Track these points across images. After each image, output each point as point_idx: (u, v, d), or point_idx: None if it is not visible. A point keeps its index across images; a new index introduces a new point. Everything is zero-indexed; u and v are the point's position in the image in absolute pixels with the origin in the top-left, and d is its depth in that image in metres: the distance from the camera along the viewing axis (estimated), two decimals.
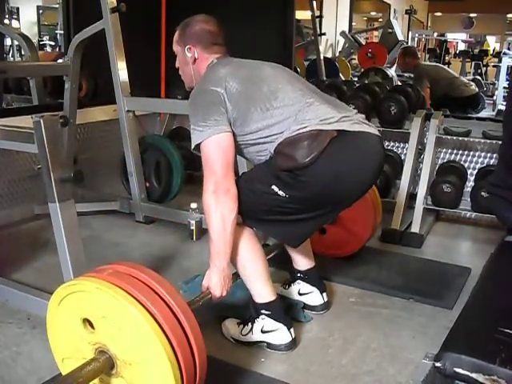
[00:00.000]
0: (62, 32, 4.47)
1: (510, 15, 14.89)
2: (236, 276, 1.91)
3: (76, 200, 2.09)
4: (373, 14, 12.88)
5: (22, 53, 4.07)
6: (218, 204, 1.70)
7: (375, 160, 1.83)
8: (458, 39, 13.80)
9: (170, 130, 3.85)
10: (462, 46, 13.65)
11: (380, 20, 11.89)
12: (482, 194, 2.95)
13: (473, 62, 10.15)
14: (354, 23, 8.65)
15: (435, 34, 12.91)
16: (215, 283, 1.77)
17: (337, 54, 7.53)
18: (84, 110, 3.42)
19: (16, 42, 4.45)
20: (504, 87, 6.88)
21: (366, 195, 1.96)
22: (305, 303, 2.21)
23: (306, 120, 1.72)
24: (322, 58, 5.85)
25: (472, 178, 3.35)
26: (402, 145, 3.65)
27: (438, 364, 1.13)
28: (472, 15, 13.58)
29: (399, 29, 7.57)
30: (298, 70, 5.76)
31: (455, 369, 1.11)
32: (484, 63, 10.31)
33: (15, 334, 2.03)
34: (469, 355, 1.12)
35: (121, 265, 1.49)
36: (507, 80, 7.08)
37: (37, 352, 1.89)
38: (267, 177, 1.77)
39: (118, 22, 2.99)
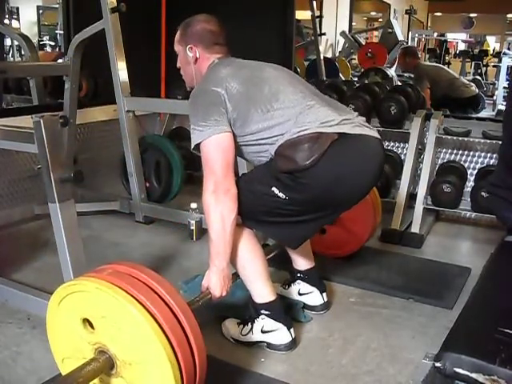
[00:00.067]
0: (61, 32, 4.47)
1: (510, 15, 14.88)
2: (235, 276, 1.91)
3: (76, 200, 2.09)
4: (373, 13, 12.88)
5: (22, 53, 4.06)
6: (218, 204, 1.70)
7: (375, 162, 1.83)
8: (458, 39, 13.79)
9: (170, 130, 3.85)
10: (462, 46, 13.64)
11: (380, 20, 11.88)
12: (482, 194, 2.96)
13: (473, 62, 10.14)
14: (354, 23, 8.64)
15: (435, 34, 12.90)
16: (215, 283, 1.77)
17: (337, 54, 7.53)
18: (84, 110, 3.42)
19: (16, 42, 4.44)
20: (504, 87, 6.88)
21: None
22: (305, 303, 2.21)
23: (307, 123, 1.72)
24: (322, 57, 5.85)
25: (472, 178, 3.35)
26: (402, 145, 3.65)
27: (438, 364, 1.13)
28: (472, 15, 13.58)
29: (399, 29, 7.57)
30: (298, 70, 5.76)
31: (455, 369, 1.11)
32: (484, 63, 10.30)
33: (15, 333, 2.03)
34: (469, 355, 1.12)
35: (121, 265, 1.49)
36: (507, 80, 7.07)
37: (37, 352, 1.89)
38: (267, 178, 1.77)
39: (117, 22, 2.99)
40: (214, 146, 1.72)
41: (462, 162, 3.44)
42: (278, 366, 1.88)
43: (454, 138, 3.29)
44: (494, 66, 9.42)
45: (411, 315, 2.24)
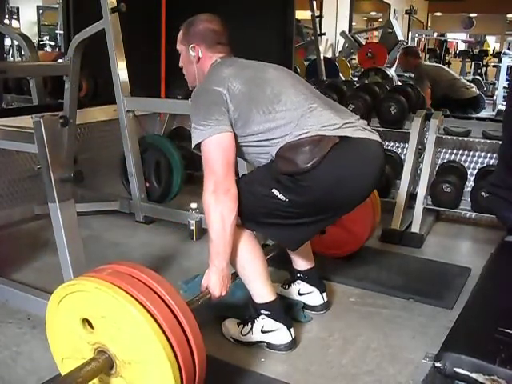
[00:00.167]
0: (61, 32, 4.47)
1: (510, 15, 14.87)
2: (235, 275, 1.91)
3: (76, 200, 2.09)
4: (373, 13, 12.88)
5: (22, 53, 4.07)
6: (218, 204, 1.70)
7: (376, 165, 1.83)
8: (458, 39, 13.79)
9: (170, 130, 3.85)
10: (462, 46, 13.64)
11: (380, 20, 11.88)
12: (482, 194, 2.95)
13: (473, 62, 10.14)
14: (354, 23, 8.64)
15: (435, 34, 12.90)
16: (214, 283, 1.76)
17: (337, 54, 7.53)
18: (84, 110, 3.42)
19: (16, 42, 4.45)
20: (504, 87, 6.88)
21: None
22: (305, 303, 2.21)
23: (309, 125, 1.72)
24: (322, 58, 5.85)
25: (472, 178, 3.35)
26: (402, 145, 3.65)
27: (438, 364, 1.13)
28: (472, 15, 13.58)
29: (399, 29, 7.57)
30: (298, 69, 5.76)
31: (455, 369, 1.11)
32: (484, 63, 10.30)
33: (15, 334, 2.03)
34: (469, 355, 1.12)
35: (120, 265, 1.49)
36: (507, 80, 7.07)
37: (37, 352, 1.89)
38: (268, 180, 1.77)
39: (117, 22, 2.99)
40: (215, 146, 1.72)
41: (462, 162, 3.43)
42: (277, 365, 1.88)
43: (454, 137, 3.29)
44: (494, 66, 9.42)
45: (411, 315, 2.24)
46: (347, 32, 7.65)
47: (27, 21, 5.12)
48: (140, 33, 3.94)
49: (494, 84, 8.30)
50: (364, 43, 7.80)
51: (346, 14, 7.92)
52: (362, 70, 6.72)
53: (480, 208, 3.02)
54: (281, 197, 1.74)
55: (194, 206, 2.90)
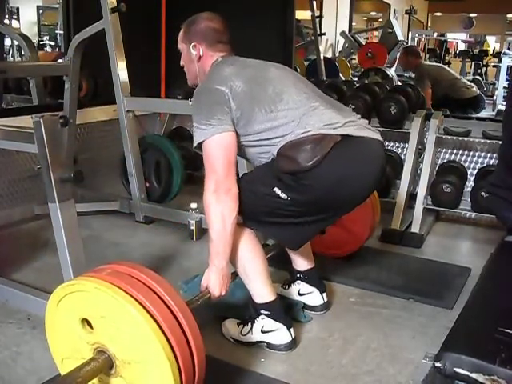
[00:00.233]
0: (61, 32, 4.47)
1: (510, 15, 14.87)
2: (235, 275, 1.91)
3: (76, 200, 2.09)
4: (373, 13, 12.87)
5: (22, 53, 4.06)
6: (219, 203, 1.70)
7: (377, 165, 1.83)
8: (458, 39, 13.79)
9: (169, 129, 3.85)
10: (462, 46, 13.64)
11: (380, 20, 11.88)
12: (482, 194, 2.95)
13: (473, 62, 10.14)
14: (354, 23, 8.64)
15: (435, 34, 12.91)
16: (214, 282, 1.76)
17: (337, 54, 7.53)
18: (84, 110, 3.42)
19: (16, 42, 4.45)
20: (504, 87, 6.87)
21: None
22: (305, 303, 2.21)
23: (310, 124, 1.72)
24: (322, 57, 5.85)
25: (472, 178, 3.35)
26: (402, 145, 3.65)
27: (438, 364, 1.13)
28: (472, 15, 13.58)
29: (399, 29, 7.56)
30: (298, 69, 5.76)
31: (455, 369, 1.11)
32: (484, 63, 10.30)
33: (15, 333, 2.03)
34: (469, 355, 1.11)
35: (120, 265, 1.48)
36: (507, 80, 7.07)
37: (37, 352, 1.89)
38: (269, 179, 1.77)
39: (117, 22, 2.99)
40: (217, 145, 1.72)
41: (462, 162, 3.43)
42: (277, 365, 1.88)
43: (454, 137, 3.29)
44: (493, 66, 9.42)
45: (411, 315, 2.24)
46: (347, 32, 7.65)
47: (27, 21, 5.12)
48: (140, 33, 3.94)
49: (493, 84, 8.30)
50: (364, 43, 7.79)
51: (346, 14, 7.92)
52: (362, 70, 6.71)
53: (480, 208, 3.02)
54: (282, 195, 1.73)
55: (193, 206, 2.90)
